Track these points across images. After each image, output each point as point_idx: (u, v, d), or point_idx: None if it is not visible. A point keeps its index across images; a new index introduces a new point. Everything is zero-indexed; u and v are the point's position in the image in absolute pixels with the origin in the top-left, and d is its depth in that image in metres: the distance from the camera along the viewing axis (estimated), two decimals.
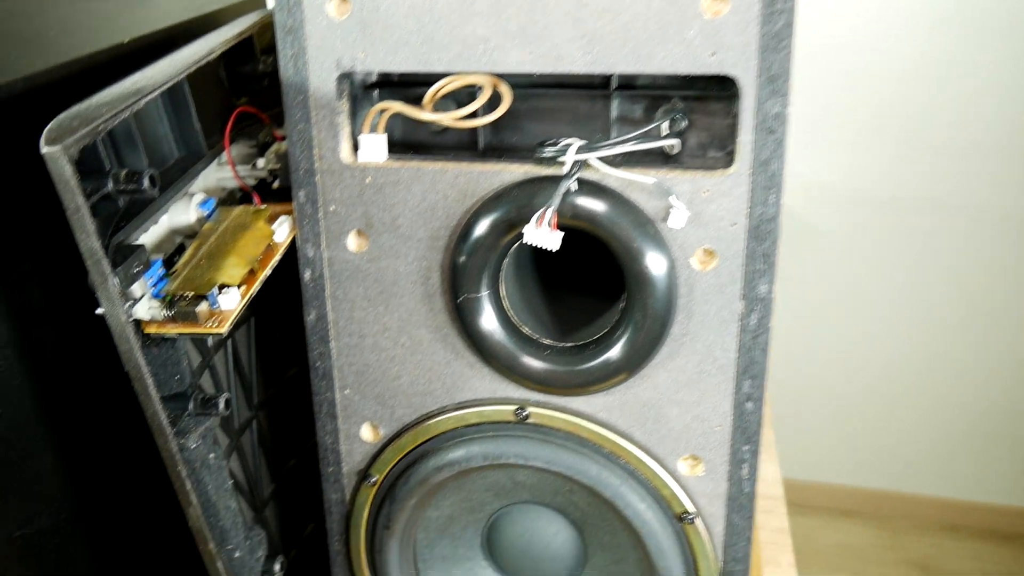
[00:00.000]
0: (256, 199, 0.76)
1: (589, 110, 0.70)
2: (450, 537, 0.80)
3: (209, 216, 0.72)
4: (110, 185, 0.57)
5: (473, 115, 0.65)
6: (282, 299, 0.85)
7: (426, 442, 0.74)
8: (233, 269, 0.64)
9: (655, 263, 0.64)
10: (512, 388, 0.72)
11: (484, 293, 0.68)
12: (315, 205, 0.70)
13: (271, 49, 0.85)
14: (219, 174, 0.80)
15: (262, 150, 0.81)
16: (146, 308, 0.61)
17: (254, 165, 0.80)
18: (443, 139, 0.73)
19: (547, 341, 0.70)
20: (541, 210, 0.63)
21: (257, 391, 0.88)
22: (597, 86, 0.69)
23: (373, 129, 0.68)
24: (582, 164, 0.63)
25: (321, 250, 0.71)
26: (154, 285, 0.63)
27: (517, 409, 0.72)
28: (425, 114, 0.65)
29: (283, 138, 0.83)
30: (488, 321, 0.68)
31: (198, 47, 0.72)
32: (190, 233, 0.72)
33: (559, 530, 0.78)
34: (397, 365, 0.73)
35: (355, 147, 0.69)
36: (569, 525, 0.78)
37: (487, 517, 0.79)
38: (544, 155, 0.64)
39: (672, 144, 0.66)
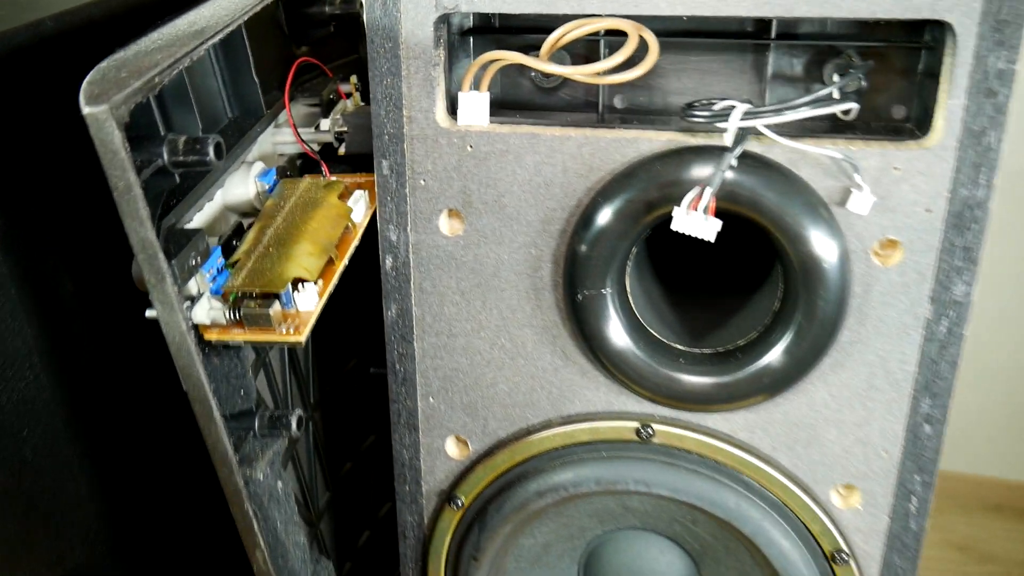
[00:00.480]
0: (324, 169, 0.64)
1: (737, 64, 0.57)
2: (543, 568, 0.69)
3: (270, 190, 0.60)
4: (165, 155, 0.44)
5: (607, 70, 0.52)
6: (342, 280, 0.73)
7: (525, 461, 0.63)
8: (307, 259, 0.52)
9: (828, 255, 0.52)
10: (632, 400, 0.60)
11: (609, 290, 0.56)
12: (402, 178, 0.58)
13: None
14: (275, 138, 0.67)
15: (325, 109, 0.69)
16: (206, 309, 0.49)
17: (317, 127, 0.67)
18: (549, 99, 0.60)
19: (680, 347, 0.58)
20: (695, 191, 0.50)
21: (313, 388, 0.77)
22: (749, 34, 0.56)
23: (475, 86, 0.55)
24: (747, 133, 0.50)
25: (407, 233, 0.59)
26: (213, 279, 0.51)
27: (641, 427, 0.60)
28: (555, 67, 0.52)
29: (348, 96, 0.70)
30: (613, 323, 0.56)
31: None
32: (247, 210, 0.60)
33: (672, 561, 0.67)
34: (493, 370, 0.61)
35: (450, 108, 0.57)
36: (684, 556, 0.67)
37: (586, 544, 0.68)
38: (696, 120, 0.51)
39: (848, 109, 0.53)
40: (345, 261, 0.56)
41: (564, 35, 0.53)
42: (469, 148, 0.56)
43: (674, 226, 0.51)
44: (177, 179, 0.46)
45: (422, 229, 0.59)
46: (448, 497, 0.66)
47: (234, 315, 0.49)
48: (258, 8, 0.53)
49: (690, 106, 0.52)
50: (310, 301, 0.51)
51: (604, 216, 0.54)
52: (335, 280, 0.54)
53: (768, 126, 0.50)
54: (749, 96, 0.57)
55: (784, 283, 0.55)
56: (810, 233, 0.51)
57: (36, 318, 0.51)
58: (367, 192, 0.62)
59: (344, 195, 0.60)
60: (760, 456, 0.59)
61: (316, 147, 0.67)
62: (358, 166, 0.73)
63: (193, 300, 0.49)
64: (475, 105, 0.56)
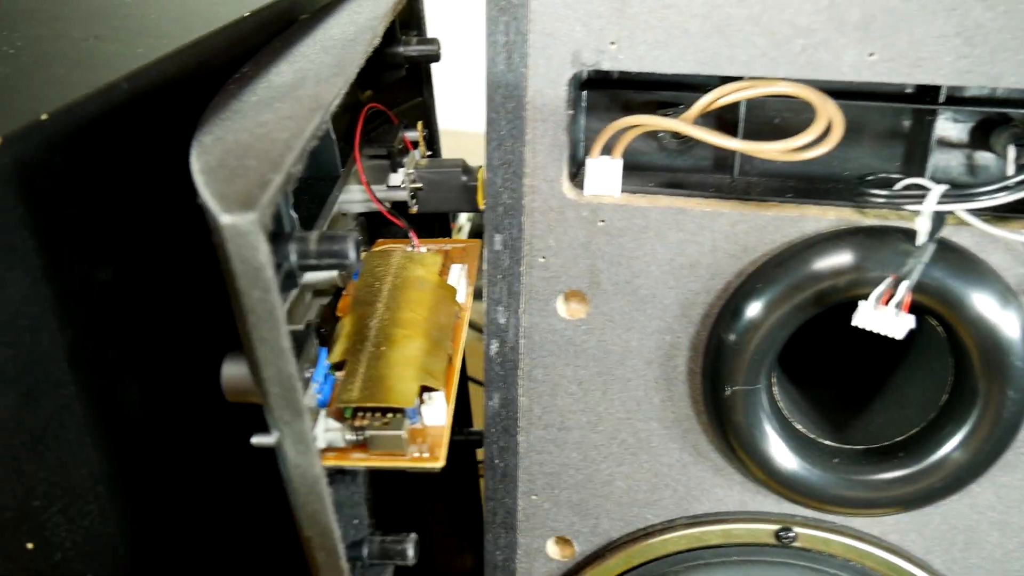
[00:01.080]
0: (414, 238, 0.56)
1: (886, 125, 0.51)
2: None
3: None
4: (293, 258, 0.36)
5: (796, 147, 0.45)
6: None
7: (643, 565, 0.56)
8: (429, 361, 0.44)
9: (1019, 350, 0.46)
10: (770, 500, 0.53)
11: (760, 385, 0.49)
12: (517, 255, 0.50)
13: (408, 23, 0.64)
14: (339, 196, 0.58)
15: (394, 162, 0.60)
16: (322, 431, 0.41)
17: (388, 183, 0.59)
18: (673, 160, 0.53)
19: (831, 443, 0.52)
20: (887, 283, 0.44)
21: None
22: (911, 97, 0.50)
23: (606, 151, 0.48)
24: (944, 218, 0.44)
25: (518, 315, 0.51)
26: (319, 389, 0.42)
27: (780, 530, 0.53)
28: (734, 143, 0.45)
29: (415, 145, 0.62)
30: (764, 423, 0.49)
31: (347, 25, 0.51)
32: (326, 289, 0.51)
33: None
34: (610, 466, 0.54)
35: (572, 176, 0.49)
36: None
37: None
38: (876, 199, 0.45)
39: None
40: (461, 357, 0.48)
41: (721, 97, 0.46)
42: (601, 223, 0.48)
43: (857, 322, 0.44)
44: (298, 283, 0.38)
45: (536, 311, 0.51)
46: None
47: (356, 436, 0.41)
48: (362, 61, 0.45)
49: (864, 182, 0.46)
50: (439, 414, 0.43)
51: (762, 304, 0.47)
52: (455, 383, 0.46)
53: (973, 211, 0.44)
54: (903, 162, 0.51)
55: (957, 375, 0.49)
56: (1001, 327, 0.45)
57: (103, 439, 0.42)
58: (465, 267, 0.54)
59: (442, 271, 0.52)
60: (912, 560, 0.53)
61: (387, 206, 0.59)
62: (425, 225, 0.65)
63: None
64: (606, 173, 0.48)
